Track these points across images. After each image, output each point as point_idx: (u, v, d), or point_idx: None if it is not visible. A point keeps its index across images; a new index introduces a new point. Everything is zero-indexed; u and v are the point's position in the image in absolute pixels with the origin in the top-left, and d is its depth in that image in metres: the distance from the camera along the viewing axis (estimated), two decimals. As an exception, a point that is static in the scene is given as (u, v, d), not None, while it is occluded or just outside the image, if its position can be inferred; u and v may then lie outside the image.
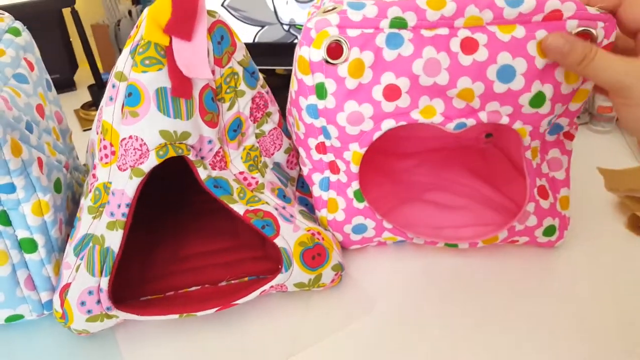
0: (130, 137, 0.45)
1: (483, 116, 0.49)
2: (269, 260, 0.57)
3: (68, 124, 0.63)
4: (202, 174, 0.49)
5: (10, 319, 0.51)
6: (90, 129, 0.60)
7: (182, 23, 0.44)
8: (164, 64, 0.45)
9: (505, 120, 0.49)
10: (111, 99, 0.47)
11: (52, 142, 0.54)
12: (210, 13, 0.47)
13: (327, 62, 0.47)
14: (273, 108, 0.57)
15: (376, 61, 0.47)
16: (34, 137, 0.49)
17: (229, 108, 0.51)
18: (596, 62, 0.43)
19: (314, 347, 0.49)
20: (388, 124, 0.49)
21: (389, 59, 0.46)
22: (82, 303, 0.47)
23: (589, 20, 0.44)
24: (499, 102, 0.48)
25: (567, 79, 0.47)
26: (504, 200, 0.62)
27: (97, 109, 0.50)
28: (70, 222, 0.54)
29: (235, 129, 0.52)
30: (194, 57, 0.45)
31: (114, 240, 0.47)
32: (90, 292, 0.47)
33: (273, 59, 0.90)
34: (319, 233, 0.53)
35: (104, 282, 0.47)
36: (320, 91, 0.49)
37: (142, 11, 0.47)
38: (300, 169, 0.60)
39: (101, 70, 1.19)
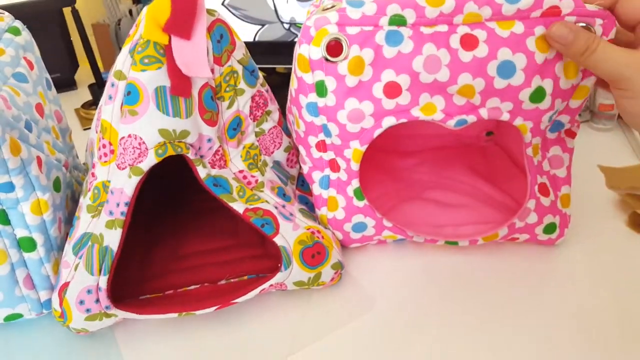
0: (129, 135, 0.45)
1: (484, 112, 0.48)
2: (269, 259, 0.57)
3: (68, 123, 0.63)
4: (202, 172, 0.49)
5: (9, 318, 0.51)
6: (90, 128, 0.60)
7: (181, 22, 0.44)
8: (163, 62, 0.45)
9: (505, 116, 0.49)
10: (110, 97, 0.47)
11: (52, 141, 0.54)
12: (210, 12, 0.47)
13: (326, 59, 0.47)
14: (273, 106, 0.57)
15: (376, 58, 0.46)
16: (33, 136, 0.48)
17: (229, 106, 0.51)
18: (597, 53, 0.43)
19: (314, 346, 0.49)
20: (389, 122, 0.49)
21: (389, 56, 0.46)
22: (81, 302, 0.47)
23: (587, 16, 0.44)
24: (499, 98, 0.48)
25: (566, 74, 0.47)
26: (505, 198, 0.62)
27: (97, 108, 0.50)
28: (69, 220, 0.54)
29: (235, 128, 0.52)
30: (193, 55, 0.45)
31: (113, 239, 0.47)
32: (89, 291, 0.47)
33: (273, 58, 0.90)
34: (318, 231, 0.53)
35: (103, 281, 0.47)
36: (320, 89, 0.49)
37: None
38: (300, 167, 0.60)
39: (102, 70, 1.19)
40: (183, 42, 0.45)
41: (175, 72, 0.45)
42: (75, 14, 1.11)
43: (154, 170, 0.46)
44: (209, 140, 0.49)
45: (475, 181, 0.66)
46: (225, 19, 0.49)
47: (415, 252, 0.60)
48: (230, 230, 0.63)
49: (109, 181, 0.48)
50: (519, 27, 0.45)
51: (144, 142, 0.45)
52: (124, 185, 0.46)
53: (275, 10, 0.86)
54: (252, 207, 0.51)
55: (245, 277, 0.56)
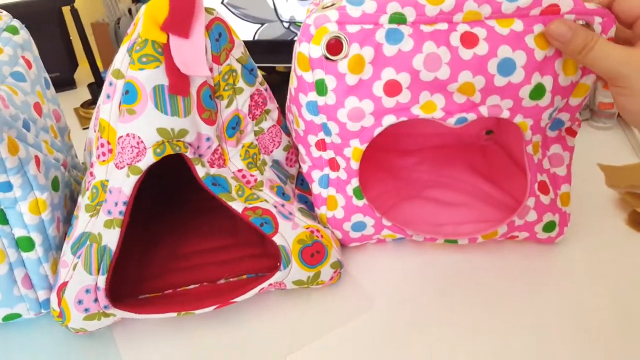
0: (128, 134, 0.45)
1: (484, 110, 0.48)
2: (268, 258, 0.57)
3: (67, 122, 0.63)
4: (200, 171, 0.48)
5: (8, 317, 0.50)
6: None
7: (179, 20, 0.44)
8: (161, 61, 0.44)
9: (505, 114, 0.49)
10: (108, 96, 0.47)
11: (50, 140, 0.54)
12: (208, 10, 0.47)
13: (326, 58, 0.47)
14: (272, 105, 0.56)
15: (376, 57, 0.46)
16: (31, 136, 0.48)
17: (227, 105, 0.51)
18: (595, 51, 0.43)
19: (313, 345, 0.49)
20: (389, 120, 0.49)
21: (389, 54, 0.46)
22: (80, 301, 0.47)
23: (586, 15, 0.44)
24: (499, 96, 0.48)
25: (565, 71, 0.47)
26: (505, 197, 0.62)
27: (95, 107, 0.50)
28: (68, 220, 0.54)
29: (234, 127, 0.52)
30: (192, 54, 0.45)
31: (111, 238, 0.47)
32: (87, 291, 0.47)
33: (273, 57, 0.90)
34: (318, 231, 0.53)
35: (101, 280, 0.47)
36: (320, 88, 0.49)
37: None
38: (300, 166, 0.59)
39: (101, 69, 1.19)
40: (181, 41, 0.45)
41: (173, 71, 0.44)
42: (75, 13, 1.11)
43: (152, 169, 0.46)
44: (208, 139, 0.49)
45: (475, 180, 0.66)
46: (225, 17, 0.49)
47: (415, 251, 0.59)
48: (229, 229, 0.62)
49: (108, 180, 0.48)
50: (518, 25, 0.45)
51: (142, 141, 0.45)
52: (122, 184, 0.46)
53: (275, 9, 0.86)
54: (251, 206, 0.50)
55: (245, 277, 0.56)
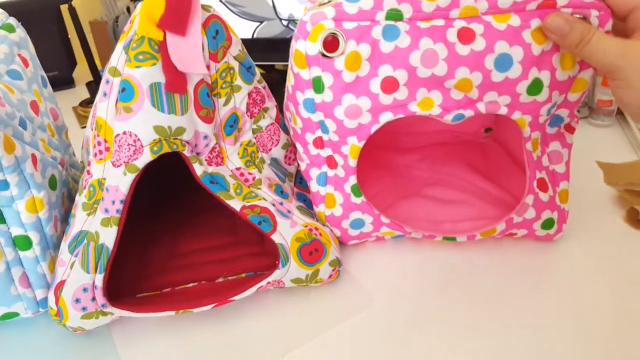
0: (124, 132, 0.45)
1: (481, 107, 0.48)
2: (267, 256, 0.56)
3: (65, 121, 0.63)
4: (198, 169, 0.48)
5: (5, 316, 0.50)
6: (87, 126, 0.59)
7: (176, 18, 0.44)
8: (158, 59, 0.44)
9: (503, 110, 0.48)
10: (105, 94, 0.47)
11: (47, 138, 0.53)
12: (205, 7, 0.47)
13: (323, 55, 0.47)
14: (270, 103, 0.56)
15: (373, 53, 0.46)
16: (27, 134, 0.48)
17: (225, 103, 0.51)
18: (592, 44, 0.43)
19: (312, 343, 0.49)
20: (386, 117, 0.49)
21: (386, 51, 0.46)
22: (77, 300, 0.47)
23: (583, 8, 0.44)
24: (497, 92, 0.47)
25: (562, 65, 0.47)
26: (503, 194, 0.62)
27: (93, 105, 0.50)
28: (65, 219, 0.54)
29: (232, 125, 0.52)
30: (189, 52, 0.45)
31: (109, 236, 0.47)
32: (84, 289, 0.47)
33: (272, 55, 0.90)
34: (316, 228, 0.53)
35: (99, 279, 0.47)
36: (317, 85, 0.48)
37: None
38: (298, 164, 0.59)
39: (99, 67, 1.19)
40: (178, 38, 0.44)
41: (170, 69, 0.44)
42: (73, 12, 1.11)
43: (150, 167, 0.46)
44: (205, 137, 0.49)
45: (474, 178, 0.66)
46: (223, 15, 0.49)
47: (414, 249, 0.59)
48: (228, 228, 0.62)
49: (105, 179, 0.48)
50: (515, 20, 0.45)
51: (139, 139, 0.45)
52: (119, 182, 0.46)
53: (274, 7, 0.86)
54: (249, 204, 0.50)
55: (243, 275, 0.56)
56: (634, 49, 0.42)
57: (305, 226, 0.52)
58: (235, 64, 0.51)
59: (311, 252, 0.51)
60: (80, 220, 0.49)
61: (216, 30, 0.48)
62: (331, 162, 0.55)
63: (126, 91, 0.44)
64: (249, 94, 0.53)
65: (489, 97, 0.48)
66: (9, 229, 0.47)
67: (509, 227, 0.56)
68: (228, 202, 0.50)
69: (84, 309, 0.47)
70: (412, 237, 0.59)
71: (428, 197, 0.65)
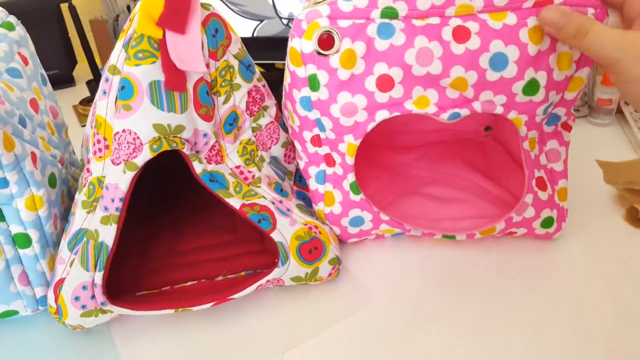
0: (124, 130, 0.45)
1: (477, 106, 0.48)
2: (267, 255, 0.57)
3: (66, 119, 0.63)
4: (198, 168, 0.48)
5: (5, 314, 0.50)
6: (87, 124, 0.60)
7: (175, 16, 0.44)
8: (157, 57, 0.44)
9: (499, 110, 0.48)
10: (105, 92, 0.47)
11: (47, 136, 0.53)
12: (204, 6, 0.47)
13: (318, 53, 0.47)
14: (270, 102, 0.56)
15: (368, 51, 0.46)
16: (27, 132, 0.48)
17: (225, 101, 0.51)
18: (590, 36, 0.42)
19: (311, 341, 0.49)
20: (382, 115, 0.49)
21: (381, 49, 0.46)
22: (76, 298, 0.47)
23: (579, 5, 0.44)
24: (492, 92, 0.47)
25: (559, 65, 0.47)
26: (503, 193, 0.62)
27: (92, 104, 0.50)
28: (65, 217, 0.54)
29: (231, 123, 0.52)
30: (188, 50, 0.45)
31: (108, 235, 0.47)
32: (84, 287, 0.47)
33: (272, 53, 0.90)
34: (316, 227, 0.53)
35: (98, 277, 0.47)
36: (312, 83, 0.48)
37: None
38: (297, 162, 0.59)
39: (100, 66, 1.19)
40: (177, 36, 0.44)
41: (169, 67, 0.44)
42: (73, 10, 1.11)
43: (150, 166, 0.46)
44: (205, 135, 0.49)
45: (473, 176, 0.66)
46: (223, 14, 0.49)
47: (413, 247, 0.59)
48: (227, 226, 0.62)
49: (104, 177, 0.48)
50: (511, 19, 0.45)
51: (138, 137, 0.45)
52: (119, 180, 0.46)
53: (274, 6, 0.86)
54: (248, 202, 0.50)
55: (243, 273, 0.56)
56: (631, 42, 0.41)
57: (305, 224, 0.52)
58: (234, 62, 0.51)
59: (311, 250, 0.51)
60: (79, 218, 0.49)
61: (216, 29, 0.48)
62: (329, 160, 0.55)
63: (126, 89, 0.44)
64: (249, 93, 0.53)
65: (484, 97, 0.48)
66: (8, 226, 0.47)
67: (509, 226, 0.56)
68: (227, 200, 0.50)
69: (83, 307, 0.48)
70: (411, 236, 0.59)
71: (427, 195, 0.65)
